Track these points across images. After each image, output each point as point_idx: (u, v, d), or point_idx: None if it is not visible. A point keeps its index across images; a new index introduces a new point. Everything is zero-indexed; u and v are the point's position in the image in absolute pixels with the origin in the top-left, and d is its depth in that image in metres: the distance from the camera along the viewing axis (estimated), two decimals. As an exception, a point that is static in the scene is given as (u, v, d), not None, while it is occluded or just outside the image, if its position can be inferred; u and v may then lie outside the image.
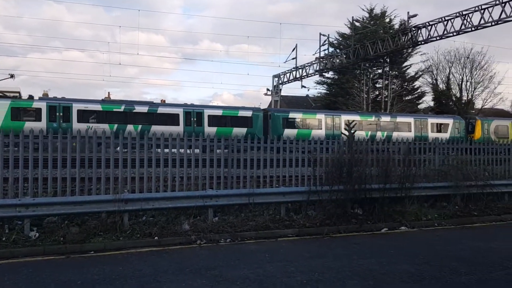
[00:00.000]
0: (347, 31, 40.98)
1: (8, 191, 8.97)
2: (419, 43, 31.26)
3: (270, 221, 9.30)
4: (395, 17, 42.33)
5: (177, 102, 26.15)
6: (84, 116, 24.04)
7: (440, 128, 32.62)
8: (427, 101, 47.17)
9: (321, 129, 29.02)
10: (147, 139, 10.02)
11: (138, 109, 25.37)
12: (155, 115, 25.44)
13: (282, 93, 45.27)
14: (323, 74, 41.27)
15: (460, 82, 46.75)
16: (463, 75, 46.52)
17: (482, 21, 25.52)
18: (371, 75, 42.88)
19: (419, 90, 45.88)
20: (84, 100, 25.63)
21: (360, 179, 10.06)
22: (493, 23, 25.15)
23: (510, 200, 12.14)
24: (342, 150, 11.57)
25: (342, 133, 15.26)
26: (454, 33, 27.60)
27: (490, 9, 25.03)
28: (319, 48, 37.30)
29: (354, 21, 39.50)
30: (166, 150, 10.41)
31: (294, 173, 11.48)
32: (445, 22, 27.77)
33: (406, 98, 43.30)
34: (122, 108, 25.04)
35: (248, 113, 27.84)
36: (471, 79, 46.34)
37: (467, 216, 10.79)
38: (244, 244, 8.21)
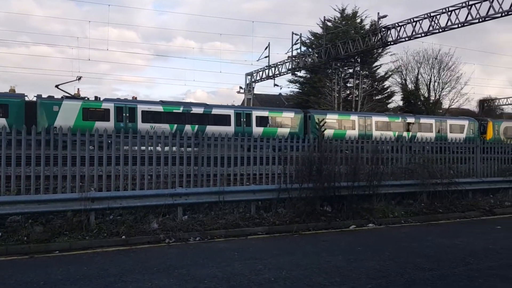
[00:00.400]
0: (319, 30, 41.43)
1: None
2: (389, 43, 31.87)
3: (240, 219, 9.30)
4: (366, 17, 43.03)
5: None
6: (147, 116, 25.49)
7: (457, 129, 34.79)
8: (397, 100, 48.25)
9: (354, 129, 30.96)
10: (115, 137, 9.84)
11: (195, 110, 27.00)
12: (209, 116, 27.11)
13: (255, 91, 45.34)
14: (296, 73, 41.55)
15: (428, 82, 47.95)
16: (431, 75, 47.75)
17: (449, 23, 26.22)
18: (342, 75, 43.42)
19: (388, 90, 46.83)
20: (148, 102, 27.62)
21: (330, 177, 10.17)
22: (459, 25, 25.86)
23: (474, 198, 12.51)
24: (312, 149, 11.67)
25: (312, 131, 15.39)
26: (422, 34, 28.25)
27: (457, 11, 25.73)
28: (292, 47, 37.55)
29: (326, 21, 39.88)
30: (142, 148, 10.25)
31: (264, 171, 11.51)
32: (414, 23, 28.38)
33: (376, 98, 44.13)
34: (180, 110, 26.68)
35: (291, 115, 30.06)
36: (439, 79, 47.62)
37: (433, 213, 11.06)
38: (213, 242, 8.18)
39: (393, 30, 30.29)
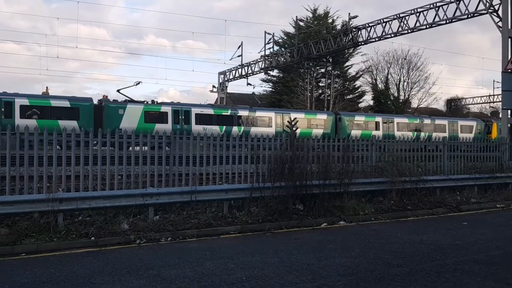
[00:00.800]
0: (291, 30, 41.73)
1: None
2: (359, 43, 32.39)
3: (212, 219, 9.26)
4: (337, 18, 43.61)
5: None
6: (200, 119, 27.19)
7: (466, 129, 37.34)
8: (367, 100, 49.06)
9: (379, 130, 33.12)
10: (83, 136, 9.63)
11: (241, 112, 28.93)
12: (253, 118, 29.28)
13: (228, 90, 45.29)
14: (268, 72, 41.70)
15: (398, 82, 48.98)
16: (400, 75, 48.81)
17: (418, 24, 26.86)
18: (315, 74, 43.86)
19: (359, 90, 47.59)
20: (200, 105, 29.42)
21: (302, 175, 10.25)
22: (427, 26, 26.52)
23: (441, 195, 12.82)
24: (284, 147, 11.72)
25: (284, 130, 15.48)
26: (392, 35, 28.84)
27: (425, 13, 26.38)
28: (264, 46, 37.69)
29: (298, 21, 40.18)
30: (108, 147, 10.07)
31: (237, 170, 11.49)
32: (384, 24, 28.93)
33: (347, 97, 44.73)
34: (229, 112, 28.58)
35: (324, 116, 32.28)
36: (408, 79, 48.73)
37: (402, 210, 11.29)
38: (185, 242, 8.12)
39: (363, 31, 30.80)
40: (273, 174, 10.30)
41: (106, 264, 6.52)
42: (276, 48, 39.00)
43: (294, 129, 12.64)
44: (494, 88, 52.50)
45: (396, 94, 48.99)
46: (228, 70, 42.57)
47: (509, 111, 17.46)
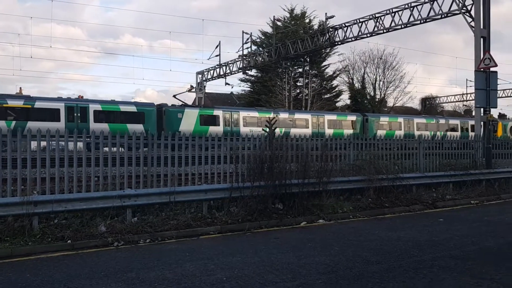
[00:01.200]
0: (269, 30, 41.80)
1: None
2: (336, 43, 32.64)
3: (192, 219, 9.19)
4: (314, 18, 43.91)
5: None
6: (247, 121, 29.80)
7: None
8: (344, 99, 49.58)
9: (401, 130, 35.70)
10: (58, 136, 9.43)
11: (282, 115, 31.25)
12: (293, 120, 31.86)
13: (207, 90, 45.07)
14: (247, 72, 41.66)
15: (374, 82, 49.66)
16: (376, 74, 49.51)
17: (393, 24, 27.21)
18: (292, 74, 44.07)
19: (337, 89, 48.07)
20: (247, 108, 32.51)
21: (281, 174, 10.28)
22: (402, 26, 26.90)
23: (418, 192, 13.04)
24: (263, 147, 11.72)
25: (263, 129, 15.51)
26: (368, 35, 29.15)
27: (400, 13, 26.74)
28: (242, 46, 37.62)
29: (276, 21, 40.30)
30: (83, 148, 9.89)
31: (216, 170, 11.44)
32: (360, 24, 29.22)
33: (325, 97, 45.11)
34: (272, 114, 29.68)
35: (353, 118, 35.12)
36: (384, 78, 49.45)
37: (379, 207, 11.44)
38: (164, 244, 8.04)
39: (340, 31, 31.05)
40: (253, 173, 10.30)
41: (83, 268, 6.40)
42: (254, 47, 39.02)
43: (273, 128, 12.66)
44: (467, 87, 53.72)
45: (372, 93, 49.68)
46: (206, 69, 42.36)
47: (482, 109, 17.85)
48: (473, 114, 27.36)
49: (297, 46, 33.75)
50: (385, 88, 49.85)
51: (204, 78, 42.76)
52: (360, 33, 29.41)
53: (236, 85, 56.39)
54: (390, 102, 52.20)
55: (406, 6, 26.30)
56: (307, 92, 43.24)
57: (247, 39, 37.62)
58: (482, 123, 18.83)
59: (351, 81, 49.76)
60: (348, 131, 31.48)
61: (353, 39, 30.36)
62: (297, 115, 33.01)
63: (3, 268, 6.46)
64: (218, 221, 9.31)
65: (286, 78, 42.56)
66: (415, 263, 6.51)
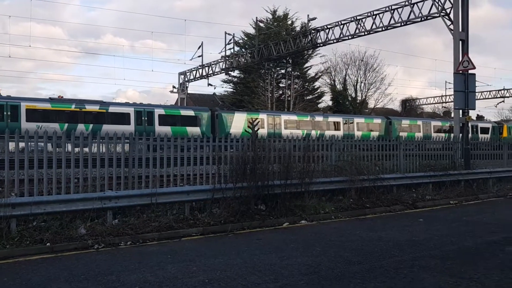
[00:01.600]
0: (252, 31, 41.84)
1: None
2: (318, 45, 32.89)
3: (173, 221, 9.12)
4: (296, 19, 44.10)
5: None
6: (288, 124, 32.10)
7: (485, 130, 43.24)
8: (326, 100, 49.92)
9: (420, 132, 38.29)
10: (36, 137, 9.26)
11: (317, 118, 34.51)
12: (327, 123, 34.51)
13: (189, 91, 44.87)
14: (229, 72, 41.64)
15: (355, 83, 50.16)
16: (358, 76, 50.02)
17: (374, 26, 27.54)
18: (275, 75, 44.18)
19: (319, 90, 48.36)
20: (287, 112, 35.68)
21: (263, 175, 10.28)
22: (383, 28, 27.24)
23: (398, 192, 13.20)
24: (246, 148, 11.71)
25: (246, 130, 15.53)
26: (350, 37, 29.44)
27: (381, 15, 27.09)
28: (225, 47, 37.61)
29: (258, 22, 40.33)
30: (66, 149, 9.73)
31: (199, 171, 11.38)
32: (342, 26, 29.50)
33: (307, 98, 45.32)
34: (308, 118, 33.94)
35: (379, 121, 38.20)
36: (365, 80, 49.99)
37: (361, 208, 11.53)
38: (145, 246, 7.96)
39: (322, 32, 31.28)
40: (235, 174, 10.27)
41: (63, 271, 6.29)
42: (236, 48, 39.05)
43: (255, 129, 12.67)
44: (446, 88, 54.67)
45: (353, 95, 50.16)
46: (188, 70, 42.18)
47: (460, 111, 18.18)
48: (452, 115, 27.83)
49: (280, 47, 33.86)
50: (366, 90, 50.43)
51: (186, 79, 42.58)
52: (341, 35, 29.69)
53: (218, 86, 56.43)
54: (371, 104, 52.82)
55: (387, 8, 26.64)
56: (289, 93, 43.41)
57: (230, 40, 37.63)
58: (460, 124, 19.17)
59: (333, 82, 50.18)
60: (375, 133, 33.79)
61: (334, 41, 30.63)
62: (331, 118, 35.51)
63: (-21, 272, 6.31)
64: (200, 223, 9.26)
65: (268, 79, 42.66)
66: (396, 263, 6.57)
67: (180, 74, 43.11)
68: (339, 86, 49.96)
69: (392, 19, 26.49)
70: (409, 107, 60.96)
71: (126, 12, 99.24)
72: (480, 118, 58.23)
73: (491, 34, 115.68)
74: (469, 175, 15.34)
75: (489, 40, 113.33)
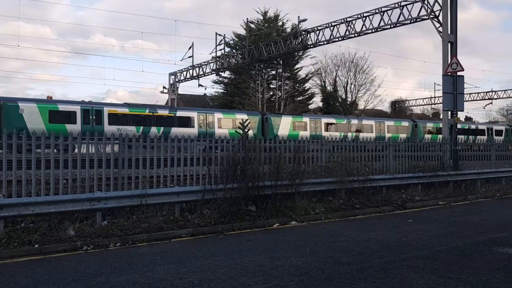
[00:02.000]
0: (242, 32, 41.77)
1: None
2: (309, 46, 32.96)
3: (163, 222, 9.08)
4: (287, 21, 44.16)
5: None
6: (329, 127, 34.89)
7: (499, 133, 45.57)
8: (317, 101, 50.06)
9: (441, 134, 38.04)
10: (25, 139, 9.17)
11: (353, 121, 36.98)
12: (361, 125, 36.91)
13: (180, 92, 44.72)
14: (220, 73, 41.56)
15: (345, 85, 50.37)
16: (348, 78, 50.26)
17: (364, 28, 27.66)
18: (266, 76, 44.19)
19: (309, 92, 48.46)
20: (327, 116, 37.94)
21: (254, 176, 10.27)
22: (373, 30, 27.38)
23: (388, 193, 13.28)
24: (236, 149, 11.70)
25: (236, 131, 15.53)
26: (340, 38, 29.54)
27: (371, 17, 27.22)
28: (216, 48, 37.54)
29: (249, 23, 40.35)
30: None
31: (189, 172, 11.35)
32: (332, 28, 29.61)
33: (298, 99, 45.41)
34: (345, 121, 36.50)
35: (406, 124, 40.46)
36: (355, 81, 50.24)
37: (350, 209, 11.59)
38: (135, 247, 7.92)
39: (312, 34, 31.38)
40: (226, 175, 10.26)
41: (51, 273, 6.23)
42: (227, 49, 38.96)
43: (246, 130, 12.67)
44: (435, 90, 55.17)
45: (344, 96, 50.36)
46: (179, 71, 42.03)
47: (449, 112, 18.34)
48: (441, 117, 28.07)
49: (270, 48, 33.90)
50: (356, 91, 50.69)
51: (177, 79, 42.43)
52: (332, 37, 29.80)
53: (209, 86, 56.34)
54: (361, 105, 53.08)
55: (377, 10, 26.79)
56: (280, 94, 43.47)
57: (221, 41, 37.58)
58: (449, 125, 19.34)
59: (323, 84, 50.33)
60: (403, 135, 35.17)
61: (325, 42, 30.73)
62: (364, 122, 37.98)
63: (-35, 274, 6.23)
64: (190, 224, 9.23)
65: (259, 80, 42.67)
66: (385, 263, 6.61)
67: (170, 74, 42.95)
68: (329, 88, 50.15)
69: (382, 21, 26.64)
70: (399, 109, 61.39)
71: (116, 12, 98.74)
72: (468, 119, 58.89)
73: (480, 36, 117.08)
74: (457, 176, 15.49)
75: (477, 42, 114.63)
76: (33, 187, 9.11)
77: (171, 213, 9.65)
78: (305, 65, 50.57)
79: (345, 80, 50.13)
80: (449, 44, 19.95)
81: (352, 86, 50.23)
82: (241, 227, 9.49)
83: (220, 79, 44.78)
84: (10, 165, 9.10)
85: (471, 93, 53.40)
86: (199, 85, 41.54)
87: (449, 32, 20.11)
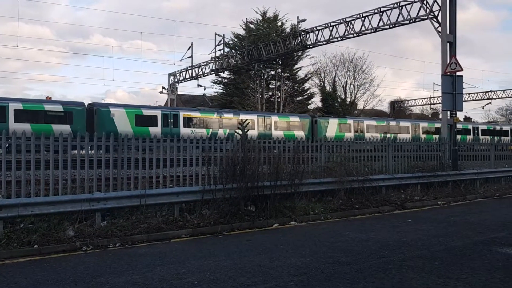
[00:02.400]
0: (242, 32, 41.78)
1: None
2: (308, 46, 32.98)
3: (163, 223, 9.08)
4: (286, 21, 44.15)
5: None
6: (369, 128, 37.01)
7: (509, 133, 46.99)
8: (316, 102, 50.07)
9: (470, 135, 41.63)
10: (24, 139, 9.16)
11: (391, 123, 39.10)
12: (399, 127, 39.08)
13: (179, 92, 44.74)
14: (219, 73, 41.57)
15: (344, 85, 50.38)
16: (347, 78, 50.27)
17: (363, 28, 27.68)
18: (265, 76, 44.19)
19: (308, 92, 48.46)
20: (369, 118, 40.19)
21: (253, 177, 10.27)
22: (372, 30, 27.41)
23: (387, 193, 13.28)
24: (236, 149, 11.70)
25: (235, 132, 15.53)
26: (339, 38, 29.56)
27: (370, 17, 27.24)
28: (215, 48, 37.58)
29: (248, 23, 40.35)
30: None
31: (188, 172, 11.35)
32: (331, 28, 29.63)
33: (297, 99, 45.41)
34: (384, 123, 38.77)
35: (439, 125, 41.37)
36: (354, 81, 50.25)
37: (350, 209, 11.59)
38: (134, 248, 7.92)
39: (311, 34, 31.41)
40: (225, 175, 10.26)
41: (51, 273, 6.23)
42: (226, 50, 38.97)
43: (245, 130, 12.66)
44: (434, 90, 55.20)
45: (343, 96, 50.36)
46: (178, 71, 42.05)
47: (448, 112, 18.36)
48: (440, 117, 28.09)
49: (270, 48, 33.92)
50: (356, 91, 50.71)
51: (176, 80, 42.45)
52: (331, 37, 29.82)
53: (208, 87, 56.34)
54: (360, 105, 53.11)
55: (376, 11, 26.81)
56: (279, 94, 43.46)
57: (220, 41, 37.60)
58: (448, 125, 19.35)
59: (322, 84, 50.33)
60: (436, 136, 36.86)
61: (324, 42, 30.75)
62: (402, 123, 40.39)
63: (-35, 275, 6.23)
64: (190, 224, 9.23)
65: (258, 81, 42.67)
66: (385, 263, 6.62)
67: (169, 75, 42.97)
68: (328, 88, 50.13)
69: (381, 21, 26.67)
70: (398, 109, 61.43)
71: (114, 12, 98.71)
72: (467, 119, 58.90)
73: (479, 36, 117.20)
74: (457, 176, 15.50)
75: (477, 42, 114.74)
76: (32, 187, 9.11)
77: (171, 214, 9.65)
78: (304, 65, 50.71)
79: (344, 80, 50.18)
80: (448, 44, 19.98)
81: (351, 86, 50.30)
82: (240, 227, 9.49)
83: (219, 79, 44.82)
84: (10, 165, 9.09)
85: (470, 93, 53.47)
86: (199, 85, 41.59)
87: (448, 32, 20.14)
